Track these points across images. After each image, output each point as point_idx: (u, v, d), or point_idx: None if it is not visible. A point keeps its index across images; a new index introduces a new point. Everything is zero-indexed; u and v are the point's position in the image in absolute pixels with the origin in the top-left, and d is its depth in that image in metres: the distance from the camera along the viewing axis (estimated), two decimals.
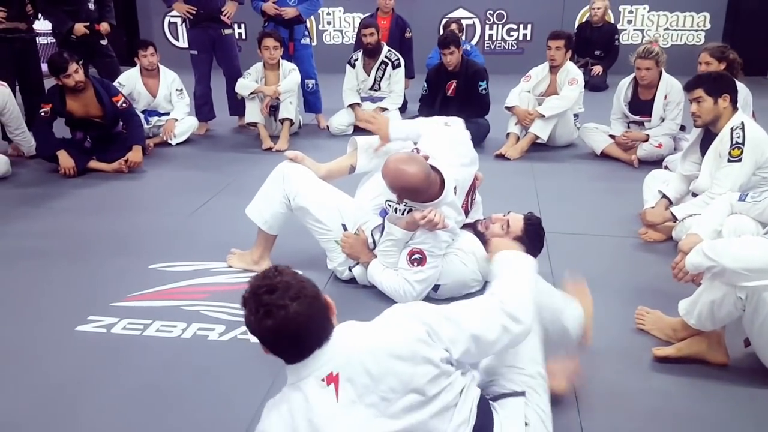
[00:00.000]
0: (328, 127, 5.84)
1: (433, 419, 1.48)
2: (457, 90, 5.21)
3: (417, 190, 2.48)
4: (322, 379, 1.44)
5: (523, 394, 1.64)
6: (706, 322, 2.19)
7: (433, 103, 5.33)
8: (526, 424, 1.61)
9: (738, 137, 3.07)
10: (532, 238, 2.70)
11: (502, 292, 1.65)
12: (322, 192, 2.90)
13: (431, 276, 2.64)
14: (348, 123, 5.78)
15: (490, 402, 1.64)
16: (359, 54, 5.84)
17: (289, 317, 1.39)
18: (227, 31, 5.69)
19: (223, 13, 5.56)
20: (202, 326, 2.58)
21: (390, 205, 2.73)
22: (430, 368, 1.47)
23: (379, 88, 5.83)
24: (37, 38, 5.49)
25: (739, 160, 3.05)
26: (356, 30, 7.09)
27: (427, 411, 1.47)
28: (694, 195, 3.33)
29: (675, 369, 2.26)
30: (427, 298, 2.69)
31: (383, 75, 5.79)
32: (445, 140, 2.79)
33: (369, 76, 5.80)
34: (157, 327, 2.57)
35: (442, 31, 6.88)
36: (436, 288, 2.71)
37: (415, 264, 2.63)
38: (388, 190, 2.66)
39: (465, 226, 2.87)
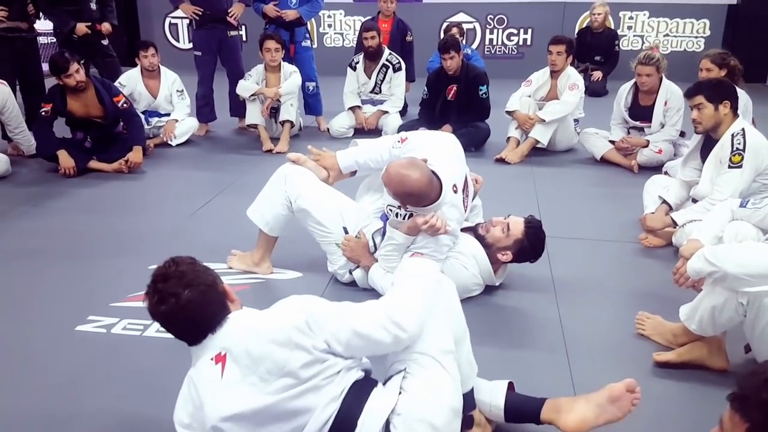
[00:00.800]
0: (328, 129, 5.84)
1: (305, 394, 1.55)
2: (457, 94, 5.22)
3: (421, 194, 2.47)
4: (212, 359, 1.56)
5: (402, 370, 1.67)
6: (707, 328, 2.19)
7: (433, 107, 5.34)
8: (400, 392, 1.62)
9: (739, 143, 3.08)
10: (533, 241, 2.71)
11: (392, 299, 1.68)
12: (323, 194, 2.89)
13: None
14: (348, 126, 5.78)
15: (378, 384, 1.68)
16: (360, 57, 5.84)
17: (180, 304, 1.53)
18: (233, 33, 5.69)
19: (230, 14, 5.56)
20: None
21: (391, 210, 2.73)
22: (304, 354, 1.55)
23: (380, 91, 5.84)
24: (38, 38, 5.49)
25: (740, 167, 3.05)
26: (357, 33, 7.09)
27: (300, 389, 1.54)
28: (695, 201, 3.33)
29: (675, 374, 2.27)
30: None
31: (384, 78, 5.80)
32: (434, 140, 2.81)
33: (370, 79, 5.80)
34: (157, 327, 2.54)
35: (443, 35, 6.89)
36: None
37: None
38: (388, 194, 2.66)
39: (465, 230, 2.87)
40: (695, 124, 3.23)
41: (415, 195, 2.47)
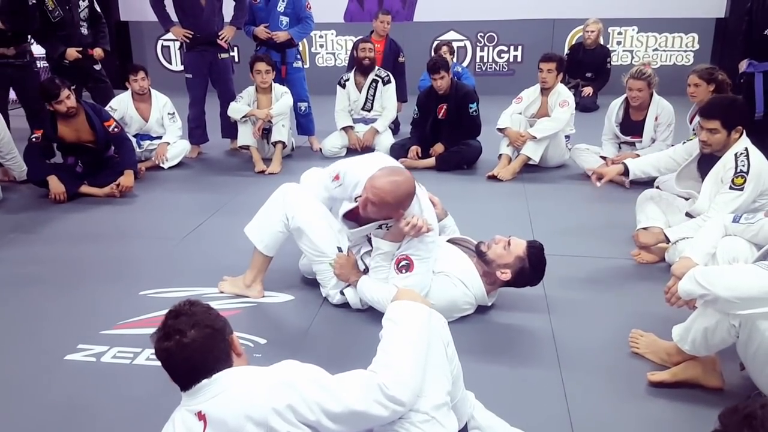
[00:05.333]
0: (321, 149, 5.84)
1: None
2: (447, 113, 5.23)
3: (414, 190, 2.55)
4: (196, 413, 1.52)
5: None
6: (700, 348, 2.18)
7: (424, 126, 5.35)
8: None
9: (743, 165, 3.02)
10: (534, 261, 2.70)
11: (384, 369, 1.58)
12: (319, 215, 2.90)
13: (419, 282, 2.63)
14: (341, 145, 5.78)
15: None
16: (350, 74, 5.85)
17: (183, 343, 1.51)
18: (224, 55, 5.70)
19: (220, 37, 5.57)
20: None
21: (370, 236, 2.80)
22: None
23: (372, 108, 5.84)
24: (35, 63, 5.50)
25: (741, 189, 3.01)
26: (349, 52, 7.13)
27: None
28: (690, 216, 3.31)
29: (670, 394, 2.25)
30: None
31: (375, 93, 5.80)
32: (366, 159, 2.86)
33: (361, 94, 5.81)
34: (147, 355, 2.53)
35: (433, 54, 6.92)
36: None
37: (403, 270, 2.65)
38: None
39: (465, 247, 2.89)
40: (704, 145, 3.14)
41: (412, 193, 2.55)
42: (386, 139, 5.70)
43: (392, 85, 5.83)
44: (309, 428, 1.51)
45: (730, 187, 3.04)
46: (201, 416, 1.51)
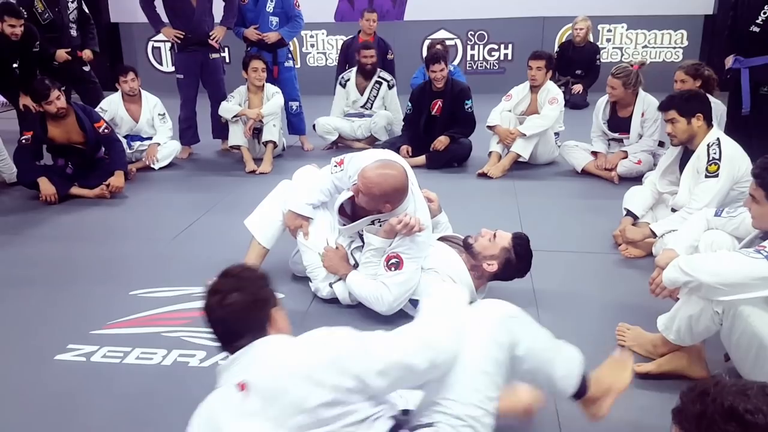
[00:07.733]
0: (311, 148, 5.85)
1: None
2: (442, 109, 5.24)
3: (404, 188, 2.57)
4: (237, 384, 1.51)
5: (430, 425, 1.59)
6: (685, 337, 2.21)
7: (417, 122, 5.36)
8: None
9: (714, 153, 3.12)
10: (519, 252, 2.72)
11: (420, 323, 1.65)
12: (317, 212, 2.97)
13: (408, 280, 2.65)
14: (333, 126, 5.80)
15: None
16: (351, 74, 5.86)
17: (224, 302, 1.55)
18: (214, 56, 5.70)
19: (211, 38, 5.57)
20: (182, 353, 2.56)
21: (361, 232, 2.81)
22: (323, 392, 1.45)
23: (371, 107, 5.87)
24: None
25: (716, 176, 3.09)
26: (339, 51, 7.15)
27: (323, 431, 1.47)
28: (674, 210, 3.36)
29: (656, 385, 2.27)
30: (406, 314, 2.69)
31: (378, 94, 5.84)
32: (372, 153, 2.88)
33: (362, 95, 5.84)
34: (137, 354, 2.54)
35: (425, 52, 6.93)
36: (415, 303, 2.69)
37: (393, 268, 2.66)
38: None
39: (452, 242, 2.91)
40: (670, 137, 3.30)
41: (400, 189, 2.56)
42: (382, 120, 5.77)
43: (395, 90, 5.90)
44: (355, 379, 1.48)
45: (706, 176, 3.12)
46: (243, 386, 1.49)
